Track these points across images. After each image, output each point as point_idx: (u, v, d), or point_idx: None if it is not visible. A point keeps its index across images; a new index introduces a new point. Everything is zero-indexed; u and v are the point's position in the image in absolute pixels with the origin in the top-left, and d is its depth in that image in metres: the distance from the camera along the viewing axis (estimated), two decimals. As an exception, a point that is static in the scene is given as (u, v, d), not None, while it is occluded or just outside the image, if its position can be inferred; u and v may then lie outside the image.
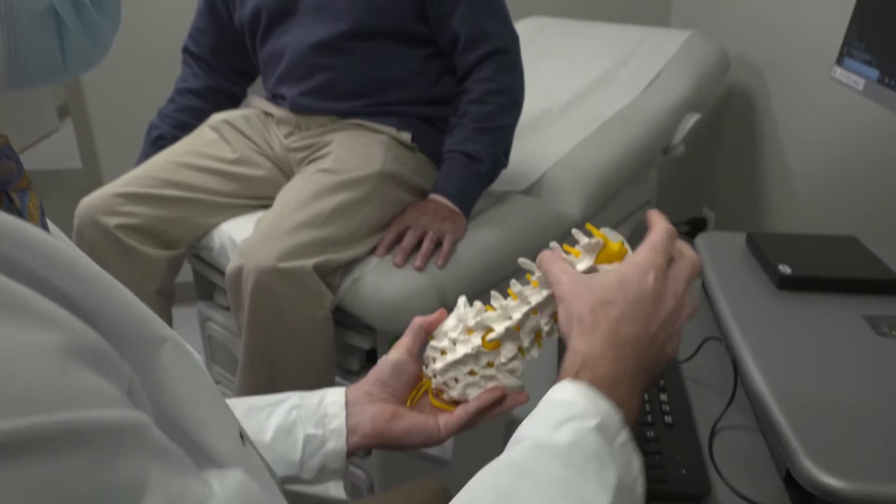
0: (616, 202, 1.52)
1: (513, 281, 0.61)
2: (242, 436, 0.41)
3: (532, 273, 0.58)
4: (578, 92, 1.68)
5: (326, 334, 1.05)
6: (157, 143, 1.32)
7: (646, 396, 0.72)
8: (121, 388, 0.30)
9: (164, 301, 1.19)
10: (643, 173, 1.69)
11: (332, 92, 1.20)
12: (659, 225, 0.53)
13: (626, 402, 0.46)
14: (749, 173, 1.85)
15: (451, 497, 1.02)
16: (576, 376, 0.47)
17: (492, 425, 0.65)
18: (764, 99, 1.78)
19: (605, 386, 0.46)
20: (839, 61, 0.92)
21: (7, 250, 0.29)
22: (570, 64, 1.79)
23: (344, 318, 1.11)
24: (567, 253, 0.56)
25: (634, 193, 1.69)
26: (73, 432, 0.26)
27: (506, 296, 0.61)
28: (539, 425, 0.45)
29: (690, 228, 2.07)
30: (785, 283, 0.81)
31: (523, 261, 0.59)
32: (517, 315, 0.58)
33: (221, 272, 1.26)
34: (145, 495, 0.28)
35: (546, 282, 0.56)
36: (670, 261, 0.51)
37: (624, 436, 0.45)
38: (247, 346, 1.05)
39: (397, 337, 1.15)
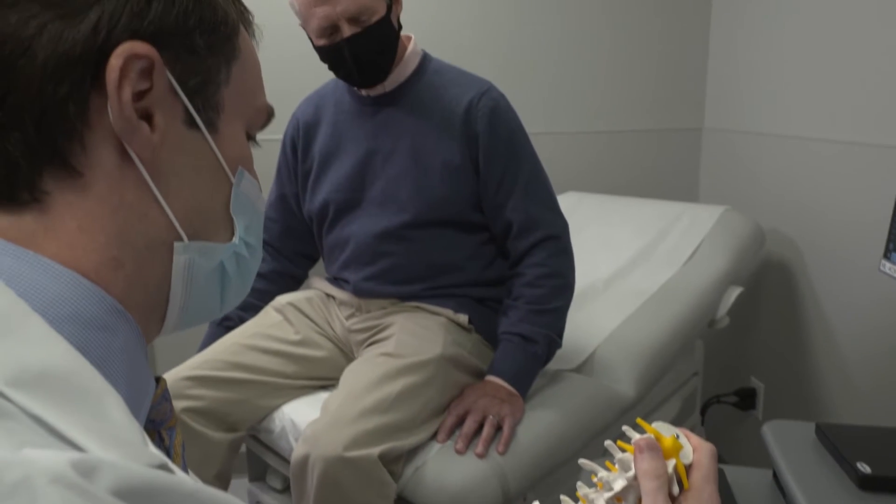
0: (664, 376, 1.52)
1: (587, 464, 0.61)
2: None
3: (612, 457, 0.58)
4: (620, 266, 1.74)
5: (388, 525, 1.03)
6: (224, 324, 1.37)
7: None
8: None
9: (222, 487, 1.18)
10: (690, 346, 1.70)
11: (393, 277, 1.27)
12: (703, 447, 0.56)
13: None
14: (794, 343, 1.85)
15: None
16: None
17: None
18: (802, 270, 1.82)
19: None
20: (886, 255, 0.96)
21: None
22: (609, 238, 1.86)
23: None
24: (622, 450, 0.57)
25: (682, 366, 1.69)
26: None
27: (573, 497, 0.61)
28: None
29: (739, 399, 2.03)
30: (867, 484, 0.79)
31: (609, 444, 0.60)
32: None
33: (279, 455, 1.26)
34: None
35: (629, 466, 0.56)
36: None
37: None
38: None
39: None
